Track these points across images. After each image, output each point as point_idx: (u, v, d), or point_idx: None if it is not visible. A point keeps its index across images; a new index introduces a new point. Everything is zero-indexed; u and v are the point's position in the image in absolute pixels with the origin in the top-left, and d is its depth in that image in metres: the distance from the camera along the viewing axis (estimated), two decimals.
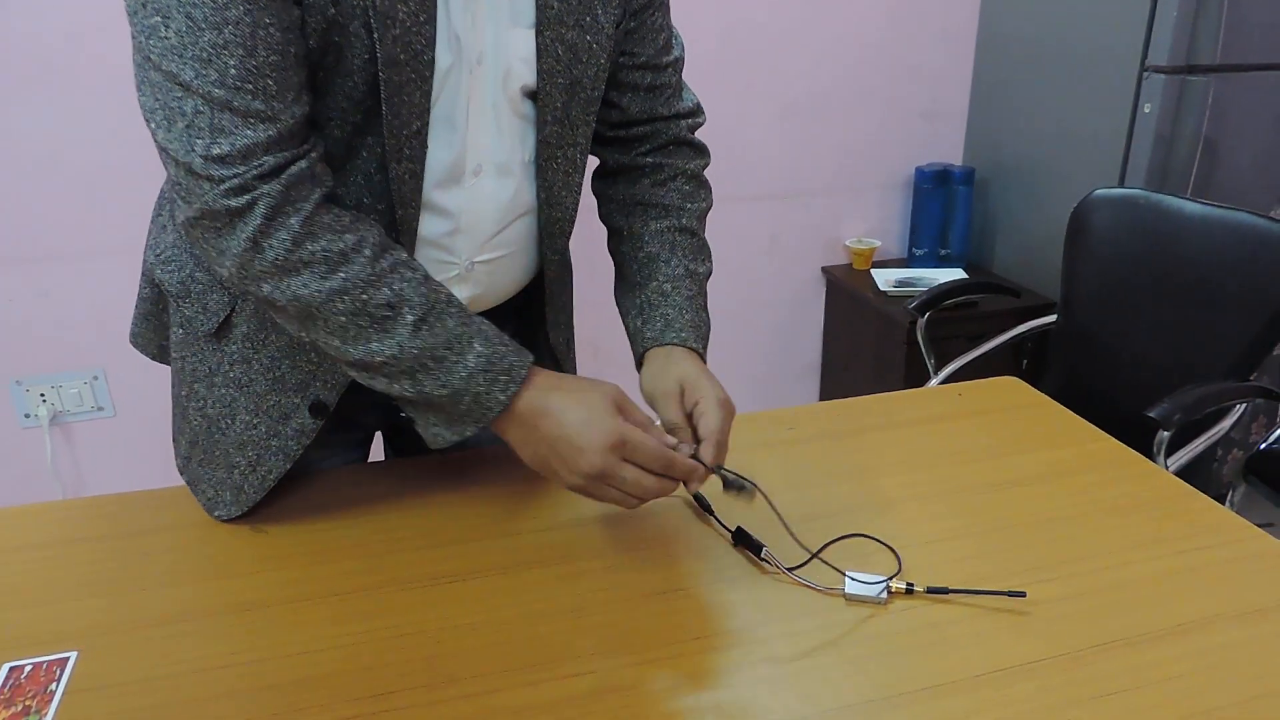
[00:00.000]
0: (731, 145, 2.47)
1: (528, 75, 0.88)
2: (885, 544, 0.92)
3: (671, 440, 0.84)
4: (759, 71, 2.43)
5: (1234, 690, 0.74)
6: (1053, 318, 1.97)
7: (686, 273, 0.99)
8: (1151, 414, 1.49)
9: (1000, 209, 2.57)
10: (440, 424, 0.84)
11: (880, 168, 2.63)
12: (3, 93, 1.97)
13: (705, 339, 0.97)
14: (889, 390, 1.42)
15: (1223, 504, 0.99)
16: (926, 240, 2.61)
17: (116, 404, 2.28)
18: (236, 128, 0.73)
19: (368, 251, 0.79)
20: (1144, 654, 0.78)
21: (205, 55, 0.71)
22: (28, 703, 0.73)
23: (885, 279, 2.52)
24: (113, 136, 2.03)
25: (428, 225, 0.90)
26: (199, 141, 0.73)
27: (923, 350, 2.08)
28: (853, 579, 0.86)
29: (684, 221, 1.02)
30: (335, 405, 0.94)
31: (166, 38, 0.71)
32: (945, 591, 0.85)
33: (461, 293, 0.96)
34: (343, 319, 0.78)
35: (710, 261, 1.03)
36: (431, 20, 0.79)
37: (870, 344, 2.53)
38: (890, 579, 0.85)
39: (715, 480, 0.88)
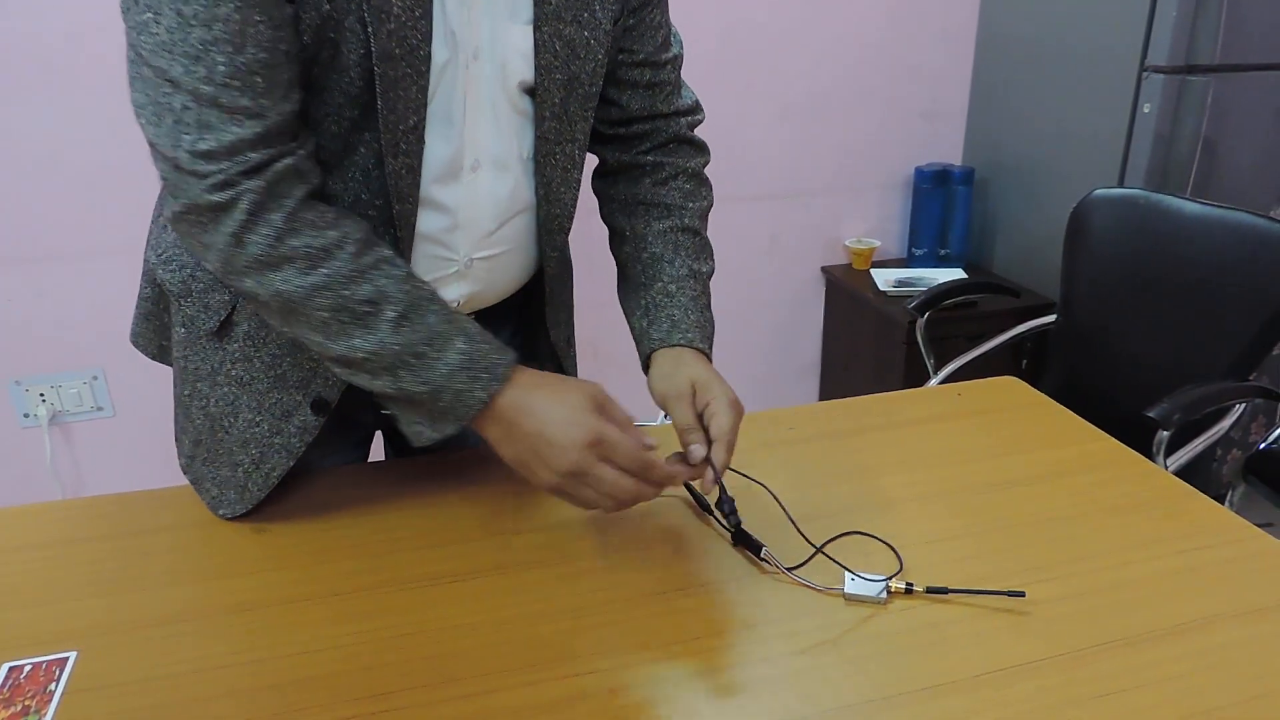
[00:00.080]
0: (731, 145, 2.47)
1: (526, 71, 0.88)
2: (886, 542, 0.92)
3: (653, 443, 0.84)
4: (759, 71, 2.43)
5: (1233, 690, 0.74)
6: (1052, 318, 1.97)
7: (690, 273, 0.99)
8: (1151, 414, 1.49)
9: (1000, 209, 2.57)
10: (422, 421, 0.84)
11: (880, 168, 2.64)
12: (3, 93, 1.97)
13: (711, 339, 0.98)
14: (889, 390, 1.42)
15: (1222, 504, 0.99)
16: (926, 240, 2.61)
17: (116, 404, 2.28)
18: (223, 124, 0.73)
19: (351, 248, 0.79)
20: (1143, 654, 0.78)
21: (194, 52, 0.71)
22: (27, 702, 0.73)
23: (885, 279, 2.53)
24: (113, 136, 2.03)
25: (426, 221, 0.90)
26: (185, 137, 0.73)
27: (922, 350, 2.08)
28: (852, 579, 0.86)
29: (686, 221, 1.02)
30: (336, 402, 0.94)
31: (157, 34, 0.71)
32: (945, 591, 0.85)
33: (461, 289, 0.96)
34: (324, 314, 0.78)
35: (712, 260, 1.03)
36: (427, 15, 0.79)
37: (870, 344, 2.53)
38: (890, 579, 0.85)
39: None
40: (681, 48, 1.03)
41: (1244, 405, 1.70)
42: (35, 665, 0.77)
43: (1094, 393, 1.85)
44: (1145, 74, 2.05)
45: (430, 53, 0.81)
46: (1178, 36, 1.98)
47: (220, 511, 0.96)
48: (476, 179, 0.91)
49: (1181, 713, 0.72)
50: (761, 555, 0.89)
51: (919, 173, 2.57)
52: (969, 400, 1.23)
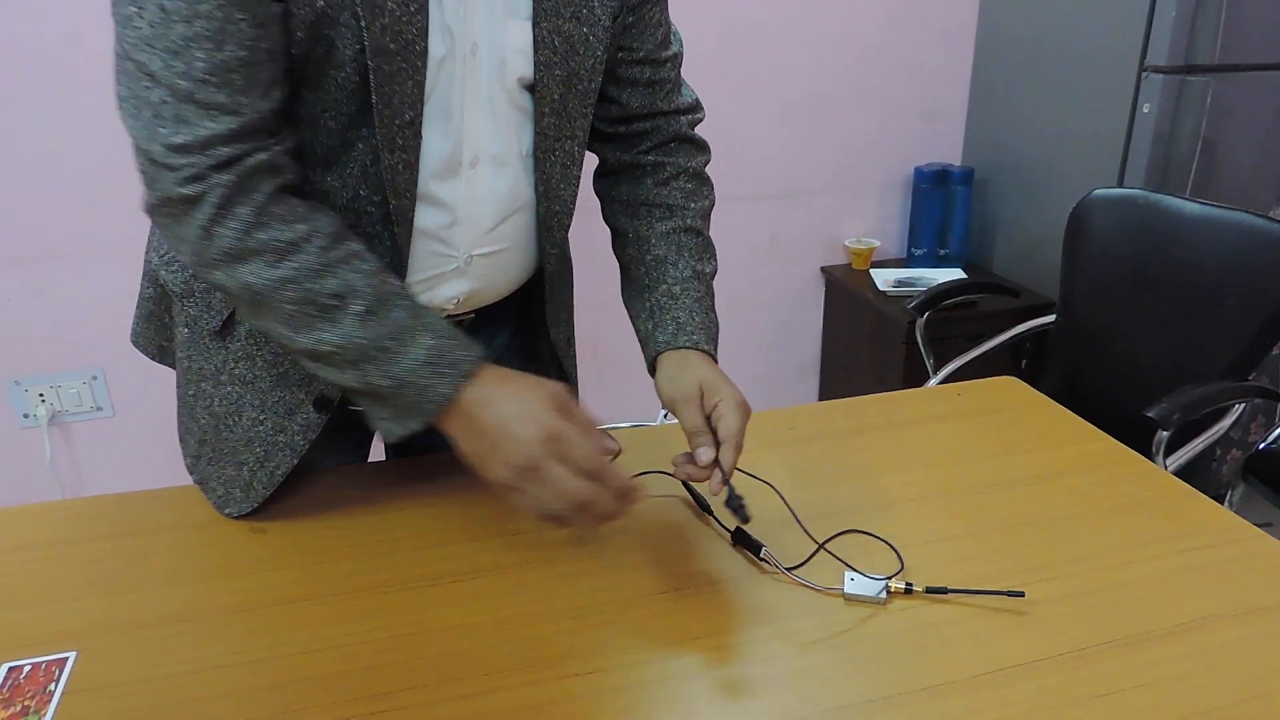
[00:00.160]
0: (731, 145, 2.47)
1: (524, 67, 0.88)
2: (886, 542, 0.92)
3: (614, 447, 0.82)
4: (759, 71, 2.43)
5: (1233, 690, 0.74)
6: (1052, 318, 1.97)
7: (694, 274, 0.99)
8: (1150, 414, 1.49)
9: (999, 209, 2.57)
10: (387, 417, 0.83)
11: (879, 168, 2.64)
12: (3, 93, 1.97)
13: (715, 340, 0.98)
14: (888, 390, 1.43)
15: (1222, 504, 0.99)
16: (926, 240, 2.61)
17: (115, 404, 2.28)
18: (198, 119, 0.74)
19: (319, 242, 0.79)
20: (1143, 654, 0.78)
21: (174, 47, 0.72)
22: (27, 703, 0.73)
23: (884, 279, 2.53)
24: (112, 136, 2.03)
25: (425, 217, 0.90)
26: (161, 130, 0.74)
27: (922, 350, 2.08)
28: (852, 578, 0.86)
29: (689, 221, 1.02)
30: (339, 400, 0.94)
31: (140, 28, 0.72)
32: (944, 591, 0.85)
33: (460, 287, 0.96)
34: (291, 308, 0.79)
35: (715, 259, 1.03)
36: (422, 10, 0.80)
37: (869, 344, 2.53)
38: (890, 579, 0.85)
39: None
40: (681, 46, 1.03)
41: (1243, 405, 1.70)
42: (35, 665, 0.77)
43: (1094, 393, 1.85)
44: (1145, 74, 2.05)
45: (426, 48, 0.81)
46: (1177, 36, 1.98)
47: (226, 510, 0.96)
48: (475, 175, 0.91)
49: (1181, 713, 0.72)
50: (761, 555, 0.89)
51: (918, 173, 2.57)
52: (969, 400, 1.23)
